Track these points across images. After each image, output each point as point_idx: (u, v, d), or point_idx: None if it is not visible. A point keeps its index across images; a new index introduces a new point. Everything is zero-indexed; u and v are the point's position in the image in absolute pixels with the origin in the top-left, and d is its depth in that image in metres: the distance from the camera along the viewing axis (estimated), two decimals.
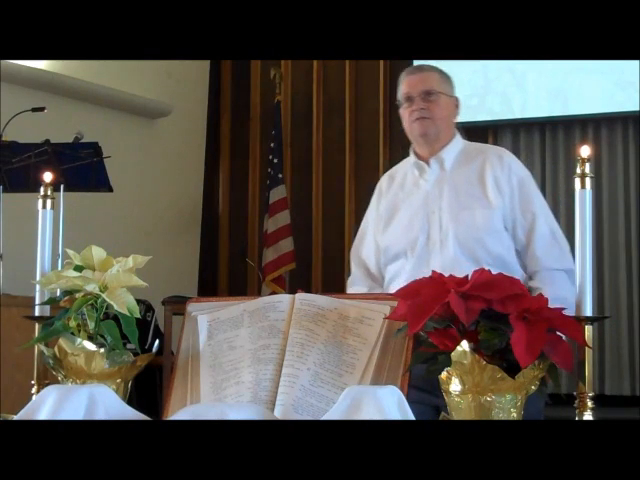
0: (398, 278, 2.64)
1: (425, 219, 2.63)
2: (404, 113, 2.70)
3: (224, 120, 7.16)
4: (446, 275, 2.50)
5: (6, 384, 3.93)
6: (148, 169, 6.55)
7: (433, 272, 1.74)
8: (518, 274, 2.55)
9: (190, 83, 6.97)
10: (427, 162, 2.69)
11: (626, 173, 6.07)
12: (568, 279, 2.51)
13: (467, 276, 1.68)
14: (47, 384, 1.92)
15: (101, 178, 4.77)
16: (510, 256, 2.59)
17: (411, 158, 2.75)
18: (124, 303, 1.88)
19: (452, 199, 2.62)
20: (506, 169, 2.64)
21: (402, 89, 2.71)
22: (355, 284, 2.78)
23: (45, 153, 4.58)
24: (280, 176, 6.40)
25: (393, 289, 2.62)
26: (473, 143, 2.81)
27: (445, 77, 2.72)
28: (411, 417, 1.56)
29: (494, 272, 2.46)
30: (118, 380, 1.89)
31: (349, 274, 2.87)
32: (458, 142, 2.73)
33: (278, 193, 6.35)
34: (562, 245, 2.61)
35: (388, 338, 1.85)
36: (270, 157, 6.48)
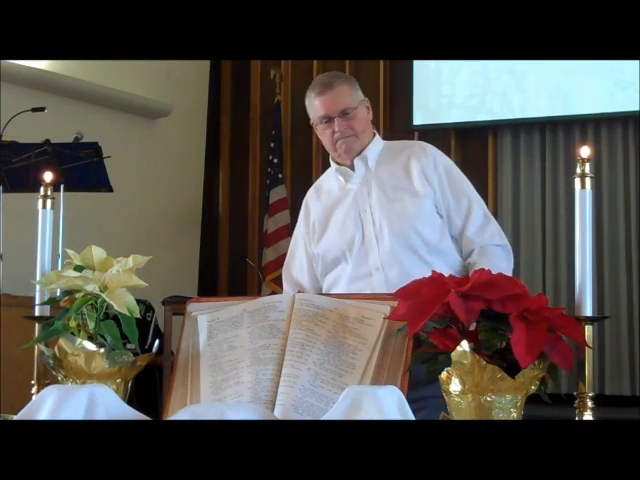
0: (339, 283, 2.64)
1: (358, 219, 2.65)
2: (324, 133, 2.68)
3: (224, 120, 7.16)
4: (385, 268, 2.54)
5: (6, 384, 3.93)
6: (148, 169, 6.55)
7: (433, 272, 1.74)
8: (455, 261, 2.60)
9: (190, 83, 6.97)
10: (350, 166, 2.71)
11: (626, 173, 6.06)
12: (503, 253, 2.59)
13: (467, 276, 1.68)
14: (47, 384, 1.92)
15: (101, 178, 4.77)
16: (445, 243, 2.61)
17: (333, 167, 2.76)
18: (124, 303, 1.88)
19: (380, 195, 2.64)
20: (431, 159, 2.67)
21: (317, 111, 2.67)
22: None
23: (45, 153, 4.58)
24: (280, 176, 6.41)
25: (343, 288, 2.60)
26: (393, 141, 2.83)
27: (352, 84, 2.71)
28: (411, 417, 1.56)
29: (430, 260, 2.55)
30: (118, 380, 1.89)
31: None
32: (378, 141, 2.75)
33: (278, 193, 6.35)
34: (496, 225, 2.67)
35: (388, 338, 1.85)
36: (270, 157, 6.48)
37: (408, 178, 2.64)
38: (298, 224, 2.84)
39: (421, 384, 1.79)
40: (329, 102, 2.64)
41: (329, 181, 2.80)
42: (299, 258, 2.79)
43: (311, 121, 2.72)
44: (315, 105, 2.67)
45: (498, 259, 2.55)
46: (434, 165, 2.65)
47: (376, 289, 2.48)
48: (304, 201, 2.85)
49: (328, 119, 2.65)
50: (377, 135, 2.77)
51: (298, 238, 2.82)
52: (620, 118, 6.04)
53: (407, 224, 2.59)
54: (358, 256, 2.62)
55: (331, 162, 2.77)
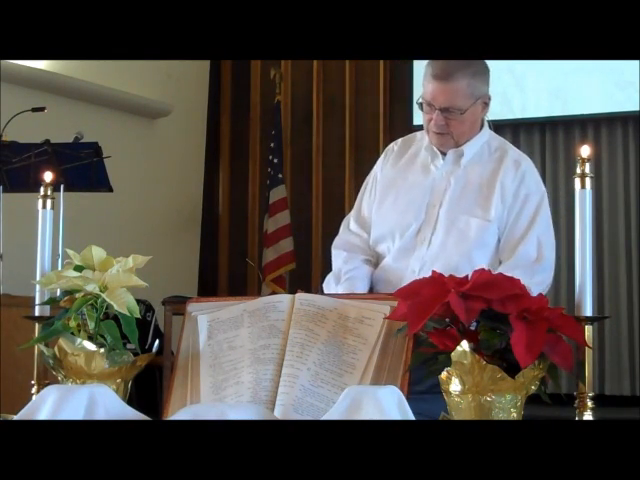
0: (382, 263, 2.51)
1: (423, 209, 2.50)
2: (424, 114, 2.50)
3: (224, 120, 7.16)
4: (422, 273, 2.36)
5: (6, 384, 3.93)
6: (148, 169, 6.55)
7: (433, 272, 1.74)
8: None
9: (190, 83, 6.97)
10: (443, 152, 2.53)
11: (626, 173, 6.06)
12: None
13: (467, 276, 1.68)
14: (47, 384, 1.92)
15: (101, 178, 4.77)
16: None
17: (426, 139, 2.57)
18: (124, 303, 1.88)
19: (455, 198, 2.48)
20: (518, 179, 2.48)
21: (425, 93, 2.47)
22: (353, 235, 2.61)
23: (45, 153, 4.58)
24: (280, 176, 6.41)
25: (377, 275, 2.51)
26: (498, 138, 2.61)
27: (474, 80, 2.45)
28: (411, 417, 1.56)
29: None
30: (118, 380, 1.89)
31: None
32: (483, 135, 2.55)
33: (278, 193, 6.35)
34: (540, 270, 2.43)
35: (388, 338, 1.85)
36: (270, 157, 6.48)
37: (488, 194, 2.46)
38: (376, 166, 2.67)
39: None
40: (437, 93, 2.43)
41: (418, 147, 2.60)
42: (365, 205, 2.65)
43: (422, 83, 2.51)
44: (426, 85, 2.47)
45: None
46: (518, 186, 2.47)
47: None
48: (389, 148, 2.67)
49: (431, 107, 2.46)
50: (485, 129, 2.56)
51: (370, 179, 2.66)
52: (620, 118, 6.04)
53: (460, 247, 2.43)
54: (405, 246, 2.49)
55: (426, 134, 2.56)
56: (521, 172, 2.50)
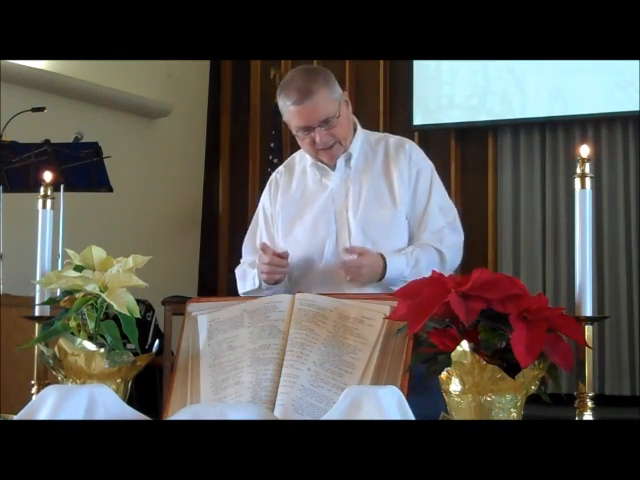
0: (311, 287, 2.39)
1: (332, 220, 2.50)
2: (303, 141, 2.50)
3: (224, 120, 7.16)
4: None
5: (6, 384, 3.93)
6: (148, 169, 6.55)
7: (433, 272, 1.74)
8: None
9: (190, 83, 6.98)
10: (329, 165, 2.54)
11: (626, 173, 6.06)
12: (437, 257, 2.45)
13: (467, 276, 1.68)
14: (47, 384, 1.92)
15: (101, 178, 4.77)
16: None
17: (309, 158, 2.57)
18: (124, 303, 1.88)
19: (359, 199, 2.49)
20: (407, 160, 2.53)
21: (294, 121, 2.45)
22: (250, 270, 2.58)
23: (45, 153, 4.58)
24: None
25: (312, 275, 2.46)
26: (373, 132, 2.65)
27: (330, 85, 2.48)
28: (411, 417, 1.56)
29: None
30: (118, 380, 1.90)
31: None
32: (360, 134, 2.58)
33: None
34: (449, 233, 2.51)
35: (388, 338, 1.85)
36: (270, 157, 6.48)
37: (389, 185, 2.50)
38: (263, 198, 2.66)
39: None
40: (308, 113, 2.43)
41: (303, 167, 2.61)
42: (261, 230, 2.65)
43: (284, 119, 2.52)
44: (291, 112, 2.46)
45: (429, 258, 2.42)
46: (409, 166, 2.52)
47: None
48: (273, 177, 2.67)
49: (308, 130, 2.46)
50: (358, 126, 2.60)
51: (260, 212, 2.66)
52: (620, 118, 6.04)
53: (385, 237, 2.45)
54: (329, 259, 2.47)
55: (307, 155, 2.58)
56: (407, 153, 2.55)
